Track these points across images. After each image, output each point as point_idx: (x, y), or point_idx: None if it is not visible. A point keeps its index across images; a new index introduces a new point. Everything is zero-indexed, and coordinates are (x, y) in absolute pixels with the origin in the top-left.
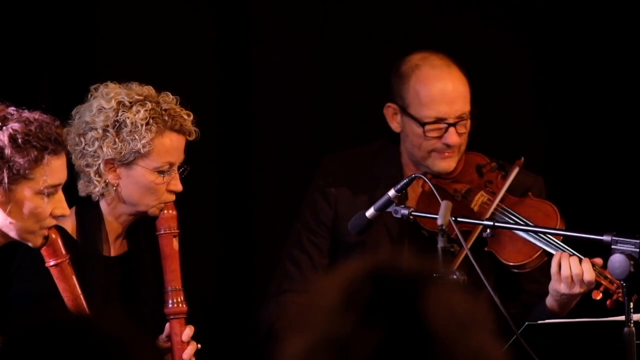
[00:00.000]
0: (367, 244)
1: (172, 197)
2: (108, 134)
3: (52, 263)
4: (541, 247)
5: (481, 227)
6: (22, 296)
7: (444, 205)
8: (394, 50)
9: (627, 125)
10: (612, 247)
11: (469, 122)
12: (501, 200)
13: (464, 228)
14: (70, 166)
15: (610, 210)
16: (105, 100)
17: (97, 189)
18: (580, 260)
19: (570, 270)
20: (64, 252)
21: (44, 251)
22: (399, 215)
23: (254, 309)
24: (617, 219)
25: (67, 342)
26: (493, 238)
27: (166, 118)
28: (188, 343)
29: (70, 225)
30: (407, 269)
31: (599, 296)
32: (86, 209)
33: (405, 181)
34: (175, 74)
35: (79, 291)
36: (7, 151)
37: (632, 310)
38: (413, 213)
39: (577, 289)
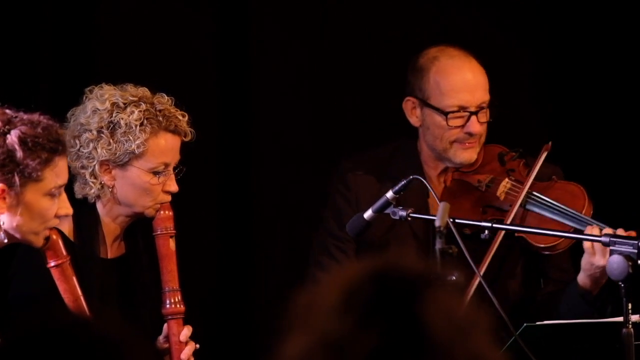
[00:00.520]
0: (392, 246)
1: (168, 198)
2: (102, 135)
3: (53, 264)
4: (571, 226)
5: (515, 211)
6: (21, 296)
7: (442, 206)
8: (394, 50)
9: (627, 125)
10: (610, 248)
11: (488, 111)
12: (530, 186)
13: (496, 216)
14: None
15: (610, 209)
16: (100, 101)
17: (92, 191)
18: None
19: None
20: (64, 253)
21: (44, 252)
22: (397, 217)
23: (253, 309)
24: (616, 220)
25: (65, 344)
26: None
27: (160, 119)
28: (186, 343)
29: (67, 227)
30: (409, 270)
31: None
32: (83, 211)
33: (403, 182)
34: (175, 74)
35: (80, 292)
36: (19, 154)
37: (630, 311)
38: (411, 214)
39: (602, 260)
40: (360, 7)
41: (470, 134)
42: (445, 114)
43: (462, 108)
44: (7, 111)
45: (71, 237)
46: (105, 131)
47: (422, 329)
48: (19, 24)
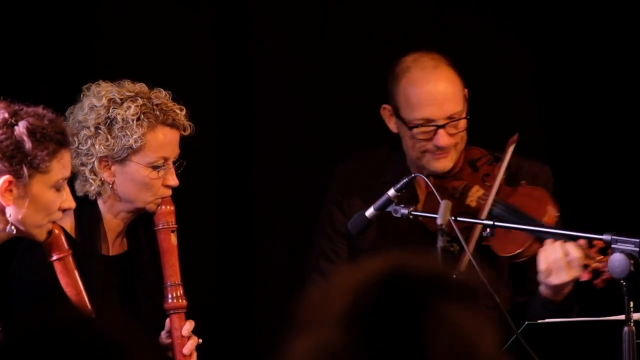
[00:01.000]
0: (377, 251)
1: (169, 192)
2: (100, 131)
3: (55, 257)
4: (532, 235)
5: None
6: (23, 292)
7: (444, 204)
8: (394, 50)
9: (627, 125)
10: (612, 246)
11: (462, 122)
12: (497, 192)
13: (465, 225)
14: None
15: (610, 209)
16: (97, 98)
17: (93, 188)
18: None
19: (554, 256)
20: (66, 247)
21: (47, 246)
22: (398, 215)
23: (254, 309)
24: (617, 219)
25: (67, 342)
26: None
27: (157, 113)
28: (188, 338)
29: (68, 224)
30: (416, 275)
31: (588, 277)
32: (84, 208)
33: (405, 180)
34: (175, 74)
35: (82, 286)
36: (28, 145)
37: (632, 309)
38: (413, 212)
39: (565, 276)
40: (360, 7)
41: (438, 147)
42: (409, 128)
43: (428, 121)
44: (12, 104)
45: (73, 235)
46: (102, 127)
47: (425, 345)
48: (19, 24)
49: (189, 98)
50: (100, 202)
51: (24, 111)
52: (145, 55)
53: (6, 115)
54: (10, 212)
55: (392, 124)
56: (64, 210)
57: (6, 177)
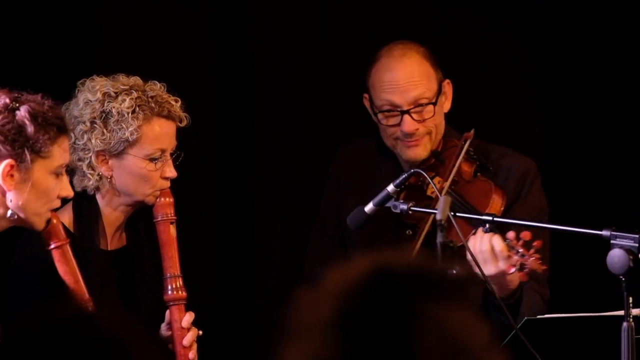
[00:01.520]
0: (365, 237)
1: (167, 184)
2: (96, 125)
3: (53, 246)
4: (473, 228)
5: (432, 217)
6: (24, 280)
7: (443, 200)
8: None
9: (627, 125)
10: (611, 242)
11: (428, 109)
12: (456, 183)
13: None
14: None
15: (609, 205)
16: (91, 93)
17: (91, 182)
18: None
19: (480, 248)
20: (64, 235)
21: (45, 234)
22: (398, 210)
23: (253, 301)
24: (616, 214)
25: (67, 338)
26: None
27: (153, 105)
28: (188, 329)
29: (67, 219)
30: (407, 271)
31: (512, 270)
32: (82, 203)
33: (404, 176)
34: (174, 73)
35: (79, 274)
36: (30, 129)
37: (631, 304)
38: (412, 208)
39: (491, 269)
40: (360, 7)
41: (405, 134)
42: (375, 113)
43: (393, 107)
44: (12, 91)
45: (71, 230)
46: (98, 121)
47: (414, 348)
48: (18, 24)
49: (189, 96)
50: (98, 197)
51: (25, 97)
52: (145, 55)
53: (7, 100)
54: (11, 197)
55: (372, 113)
56: (62, 199)
57: (8, 161)
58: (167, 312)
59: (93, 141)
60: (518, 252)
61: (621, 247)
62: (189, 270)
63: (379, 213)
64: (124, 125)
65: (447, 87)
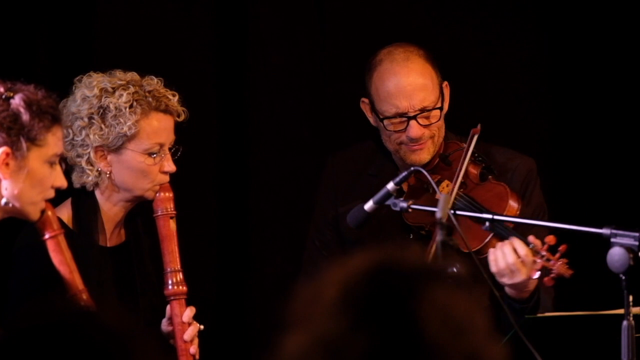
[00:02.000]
0: (367, 241)
1: (166, 178)
2: (93, 121)
3: (47, 236)
4: (489, 233)
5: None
6: (24, 275)
7: (443, 198)
8: None
9: (627, 125)
10: (612, 240)
11: (434, 113)
12: (464, 186)
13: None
14: (63, 159)
15: (608, 210)
16: (88, 89)
17: (90, 179)
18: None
19: (505, 261)
20: (58, 225)
21: (39, 225)
22: (397, 209)
23: (252, 307)
24: (617, 213)
25: (68, 335)
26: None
27: (150, 99)
28: (189, 324)
29: (66, 215)
30: (407, 264)
31: (536, 275)
32: (81, 199)
33: (404, 174)
34: (174, 72)
35: (74, 265)
36: (25, 117)
37: (631, 303)
38: (412, 206)
39: (518, 277)
40: (360, 6)
41: (411, 139)
42: (381, 119)
43: (399, 114)
44: (5, 81)
45: (70, 226)
46: (95, 117)
47: (418, 327)
48: (16, 20)
49: (188, 91)
50: (97, 193)
51: (18, 86)
52: (144, 53)
53: (1, 89)
54: (6, 185)
55: (371, 118)
56: (56, 189)
57: (4, 149)
58: (168, 307)
59: (91, 137)
60: (543, 256)
61: (621, 245)
62: (189, 264)
63: (380, 217)
64: (121, 120)
65: (446, 89)
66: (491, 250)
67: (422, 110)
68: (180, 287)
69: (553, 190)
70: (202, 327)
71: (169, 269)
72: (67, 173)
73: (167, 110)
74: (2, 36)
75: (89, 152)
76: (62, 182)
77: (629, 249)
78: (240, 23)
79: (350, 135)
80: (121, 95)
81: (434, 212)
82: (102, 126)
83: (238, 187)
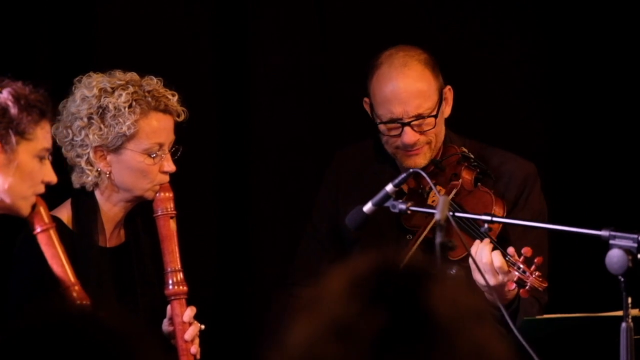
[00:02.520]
0: (366, 241)
1: (166, 178)
2: (93, 121)
3: (38, 230)
4: (474, 240)
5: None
6: (23, 275)
7: (442, 200)
8: (392, 46)
9: (627, 125)
10: (610, 242)
11: (429, 120)
12: (457, 193)
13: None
14: (63, 159)
15: (608, 210)
16: (88, 89)
17: (89, 179)
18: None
19: (481, 261)
20: (49, 219)
21: (30, 219)
22: (396, 210)
23: (252, 295)
24: (615, 220)
25: (68, 335)
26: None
27: (149, 99)
28: (190, 324)
29: (65, 216)
30: (410, 263)
31: (512, 286)
32: (81, 200)
33: (403, 176)
34: (174, 72)
35: (67, 259)
36: (13, 111)
37: (630, 305)
38: (411, 208)
39: (491, 279)
40: (360, 6)
41: (405, 145)
42: (377, 123)
43: (393, 119)
44: None
45: (70, 227)
46: (95, 117)
47: (427, 314)
48: (17, 20)
49: (188, 91)
50: (97, 193)
51: (6, 82)
52: (144, 53)
53: None
54: None
55: (372, 118)
56: (46, 185)
57: None
58: (169, 307)
59: (91, 137)
60: (519, 268)
61: (620, 247)
62: (189, 264)
63: (379, 219)
64: (121, 120)
65: (449, 93)
66: (472, 248)
67: (417, 117)
68: (181, 287)
69: (552, 193)
70: (202, 326)
71: (169, 269)
72: (67, 173)
73: (166, 110)
74: (2, 36)
75: (89, 152)
76: (51, 177)
77: (627, 250)
78: (240, 23)
79: (350, 135)
80: (120, 95)
81: (431, 214)
82: (102, 126)
83: (238, 187)
